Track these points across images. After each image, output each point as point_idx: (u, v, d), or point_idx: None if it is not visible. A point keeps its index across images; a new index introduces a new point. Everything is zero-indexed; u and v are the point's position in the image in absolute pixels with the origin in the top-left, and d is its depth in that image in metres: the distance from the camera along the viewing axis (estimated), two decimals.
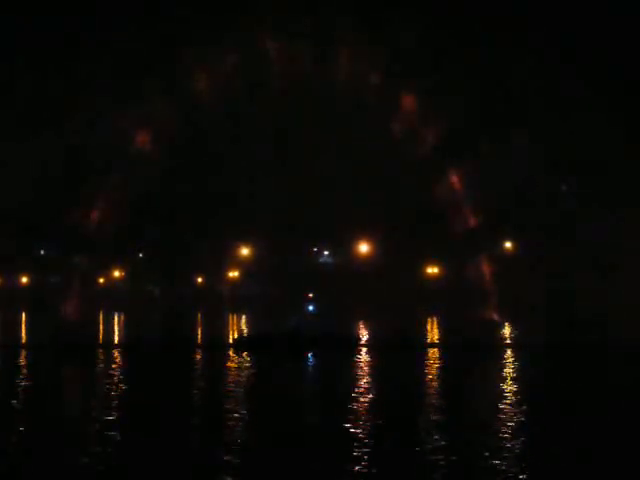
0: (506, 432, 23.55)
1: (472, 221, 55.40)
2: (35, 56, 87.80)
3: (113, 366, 44.63)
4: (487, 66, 78.94)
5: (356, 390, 32.81)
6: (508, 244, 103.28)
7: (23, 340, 63.69)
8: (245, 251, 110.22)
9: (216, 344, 55.92)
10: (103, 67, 78.53)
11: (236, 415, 27.22)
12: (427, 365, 43.00)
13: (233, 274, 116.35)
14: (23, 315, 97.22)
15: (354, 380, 36.21)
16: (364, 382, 36.00)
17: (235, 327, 76.73)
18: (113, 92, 76.07)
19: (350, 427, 24.52)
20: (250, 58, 56.08)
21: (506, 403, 28.97)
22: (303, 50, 56.24)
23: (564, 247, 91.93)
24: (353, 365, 42.52)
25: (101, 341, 61.20)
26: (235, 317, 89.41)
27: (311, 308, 56.32)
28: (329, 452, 21.60)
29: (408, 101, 55.34)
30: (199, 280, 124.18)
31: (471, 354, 47.38)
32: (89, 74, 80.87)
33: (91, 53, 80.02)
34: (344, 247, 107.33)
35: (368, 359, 45.98)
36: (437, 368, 42.63)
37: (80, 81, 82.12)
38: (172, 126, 57.26)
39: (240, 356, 47.79)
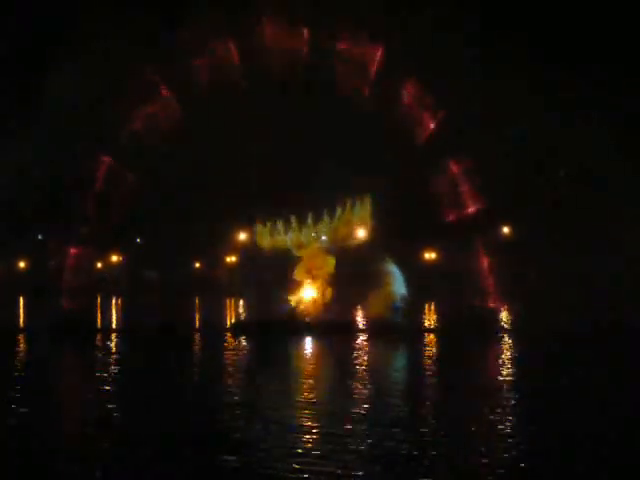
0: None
1: (470, 206, 55.34)
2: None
3: (111, 350, 44.93)
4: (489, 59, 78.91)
5: (346, 374, 33.10)
6: (506, 229, 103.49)
7: (22, 324, 63.94)
8: (243, 236, 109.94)
9: (214, 328, 56.18)
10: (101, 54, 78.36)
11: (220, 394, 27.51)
12: (420, 350, 43.29)
13: (231, 259, 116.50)
14: (21, 300, 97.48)
15: (347, 364, 36.47)
16: (356, 365, 36.25)
17: (233, 312, 77.04)
18: (112, 76, 75.71)
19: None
20: (247, 46, 55.88)
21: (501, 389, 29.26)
22: (302, 39, 55.98)
23: (562, 232, 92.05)
24: (348, 350, 42.79)
25: (100, 325, 61.43)
26: (233, 302, 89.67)
27: (309, 293, 56.65)
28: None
29: (407, 90, 55.20)
30: (197, 265, 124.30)
31: (467, 339, 47.54)
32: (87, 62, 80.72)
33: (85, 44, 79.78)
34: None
35: (364, 344, 46.26)
36: (430, 353, 42.96)
37: (80, 66, 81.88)
38: (172, 113, 57.08)
39: (237, 340, 48.12)
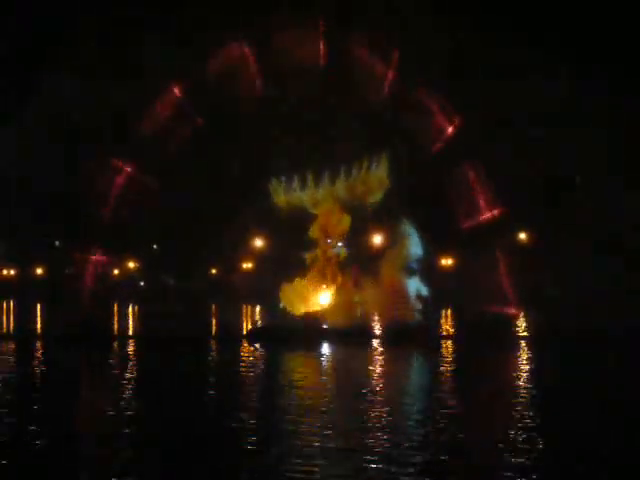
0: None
1: (486, 211, 54.82)
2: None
3: (128, 356, 44.84)
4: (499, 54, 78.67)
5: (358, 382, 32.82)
6: (523, 235, 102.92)
7: (40, 331, 64.07)
8: (259, 242, 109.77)
9: (230, 335, 56.06)
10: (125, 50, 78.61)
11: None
12: (439, 358, 42.90)
13: (247, 265, 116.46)
14: (39, 306, 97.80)
15: (360, 372, 36.20)
16: (368, 374, 35.96)
17: (249, 318, 76.94)
18: (129, 75, 75.99)
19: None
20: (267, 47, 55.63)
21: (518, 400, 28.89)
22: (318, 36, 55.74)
23: (579, 237, 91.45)
24: (363, 357, 42.49)
25: (116, 332, 61.42)
26: (249, 308, 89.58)
27: (326, 300, 56.35)
28: None
29: (421, 94, 54.82)
30: (214, 271, 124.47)
31: (485, 346, 47.06)
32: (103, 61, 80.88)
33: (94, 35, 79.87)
34: (358, 238, 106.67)
35: (379, 352, 45.92)
36: (448, 361, 42.57)
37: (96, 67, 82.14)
38: (187, 116, 56.93)
39: (253, 347, 47.90)
